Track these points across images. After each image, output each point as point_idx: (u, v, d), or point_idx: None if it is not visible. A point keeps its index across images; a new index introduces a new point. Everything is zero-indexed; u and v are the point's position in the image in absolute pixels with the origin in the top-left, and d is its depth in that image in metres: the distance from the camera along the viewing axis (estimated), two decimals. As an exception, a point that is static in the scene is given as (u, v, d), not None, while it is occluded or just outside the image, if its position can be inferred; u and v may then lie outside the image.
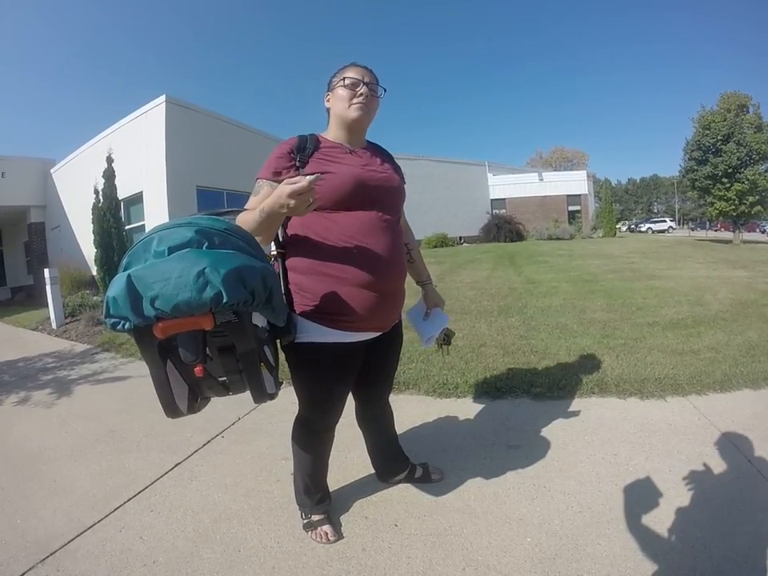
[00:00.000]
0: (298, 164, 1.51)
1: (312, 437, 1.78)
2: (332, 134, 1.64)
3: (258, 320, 1.23)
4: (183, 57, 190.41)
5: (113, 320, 1.05)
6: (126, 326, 1.05)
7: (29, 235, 16.42)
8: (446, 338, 2.07)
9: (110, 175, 8.56)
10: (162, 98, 11.34)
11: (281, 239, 1.61)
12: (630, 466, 2.12)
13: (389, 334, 1.74)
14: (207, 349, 1.17)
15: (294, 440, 1.81)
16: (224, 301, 1.01)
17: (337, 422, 1.79)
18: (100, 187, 8.46)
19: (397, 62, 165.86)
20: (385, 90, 1.66)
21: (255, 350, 1.21)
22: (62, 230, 14.76)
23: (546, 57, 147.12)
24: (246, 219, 1.42)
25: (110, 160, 8.58)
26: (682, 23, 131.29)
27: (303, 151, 1.53)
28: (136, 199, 11.62)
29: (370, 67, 1.63)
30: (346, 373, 1.65)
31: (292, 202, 1.23)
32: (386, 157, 1.74)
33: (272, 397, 1.30)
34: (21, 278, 17.79)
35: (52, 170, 15.77)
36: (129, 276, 1.03)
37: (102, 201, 8.41)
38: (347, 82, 1.56)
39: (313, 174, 1.32)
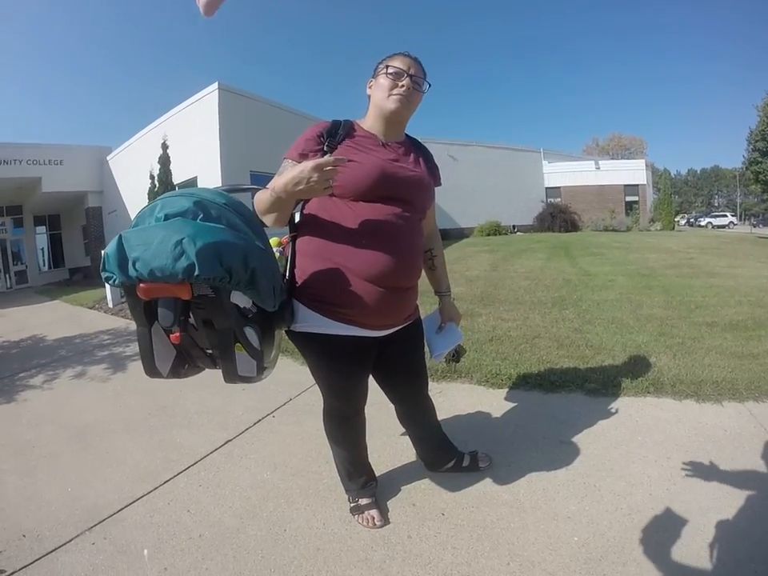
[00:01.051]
0: (326, 148, 1.47)
1: (339, 423, 1.78)
2: (368, 122, 1.59)
3: (240, 300, 1.21)
4: (239, 42, 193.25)
5: (105, 274, 1.09)
6: (115, 282, 1.08)
7: (86, 219, 17.26)
8: (456, 355, 2.01)
9: (165, 161, 8.85)
10: (215, 85, 11.63)
11: (296, 221, 1.58)
12: (683, 471, 2.03)
13: (404, 331, 1.68)
14: (193, 318, 1.20)
15: (326, 429, 1.81)
16: (196, 273, 1.02)
17: (362, 407, 1.78)
18: (155, 173, 8.76)
19: (449, 43, 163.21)
20: (430, 85, 1.59)
21: (230, 328, 1.21)
22: (118, 214, 15.40)
23: (606, 38, 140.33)
24: (261, 198, 1.41)
25: (165, 146, 8.88)
26: (745, 15, 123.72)
27: (334, 136, 1.50)
28: (191, 184, 11.96)
29: (419, 59, 1.57)
30: (354, 365, 1.61)
31: (315, 175, 1.21)
32: (422, 154, 1.68)
33: (248, 380, 1.29)
34: (79, 259, 18.70)
35: (108, 157, 16.47)
36: (120, 236, 1.08)
37: (157, 186, 8.72)
38: (391, 71, 1.50)
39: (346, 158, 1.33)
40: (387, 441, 2.32)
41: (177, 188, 9.41)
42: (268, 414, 2.82)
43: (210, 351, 1.30)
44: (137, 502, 2.00)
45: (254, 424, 2.70)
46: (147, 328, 1.22)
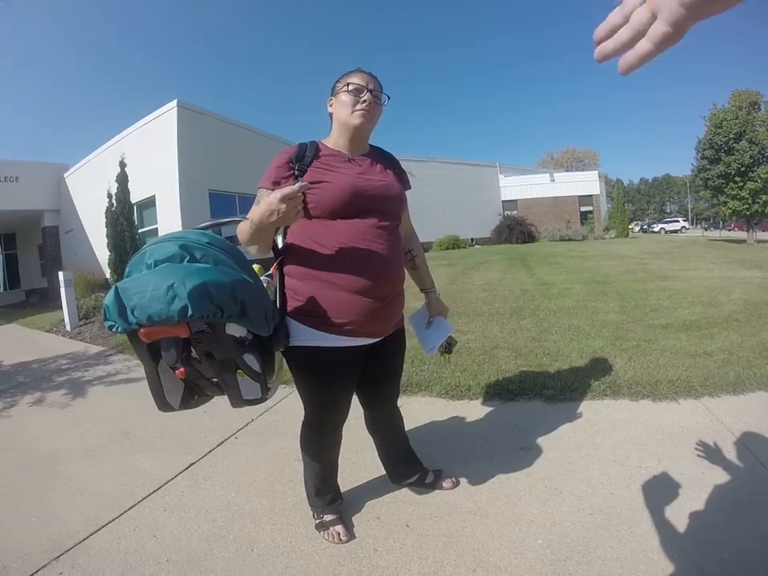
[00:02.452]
0: (296, 173, 1.51)
1: (318, 438, 1.79)
2: (333, 140, 1.64)
3: (236, 330, 1.27)
4: (193, 65, 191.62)
5: (108, 323, 1.16)
6: (119, 330, 1.15)
7: (43, 238, 16.65)
8: (448, 347, 2.06)
9: (123, 179, 8.67)
10: (174, 102, 11.49)
11: (279, 246, 1.62)
12: (642, 469, 2.11)
13: (390, 339, 1.73)
14: (195, 352, 1.28)
15: (302, 442, 1.83)
16: (190, 313, 1.08)
17: (343, 423, 1.80)
18: (113, 191, 8.58)
19: (406, 64, 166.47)
20: (389, 98, 1.65)
21: (230, 358, 1.29)
22: (75, 233, 14.96)
23: (554, 55, 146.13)
24: (242, 229, 1.46)
25: (122, 164, 8.70)
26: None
27: (302, 160, 1.54)
28: (149, 203, 11.79)
29: (375, 74, 1.62)
30: (342, 377, 1.65)
31: (283, 206, 1.25)
32: (388, 162, 1.73)
33: (255, 402, 1.37)
34: (35, 280, 18.04)
35: (65, 175, 15.99)
36: (116, 287, 1.15)
37: (115, 205, 8.52)
38: (351, 87, 1.55)
39: (308, 182, 1.37)
40: (350, 457, 2.33)
41: (135, 207, 9.23)
42: (231, 436, 2.80)
43: (215, 380, 1.37)
44: (102, 530, 1.96)
45: (217, 446, 2.67)
46: (154, 367, 1.31)
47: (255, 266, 1.66)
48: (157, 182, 11.50)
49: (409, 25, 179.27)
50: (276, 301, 1.58)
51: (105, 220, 8.52)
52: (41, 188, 15.79)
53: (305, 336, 1.54)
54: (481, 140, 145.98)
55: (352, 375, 1.69)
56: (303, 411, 1.76)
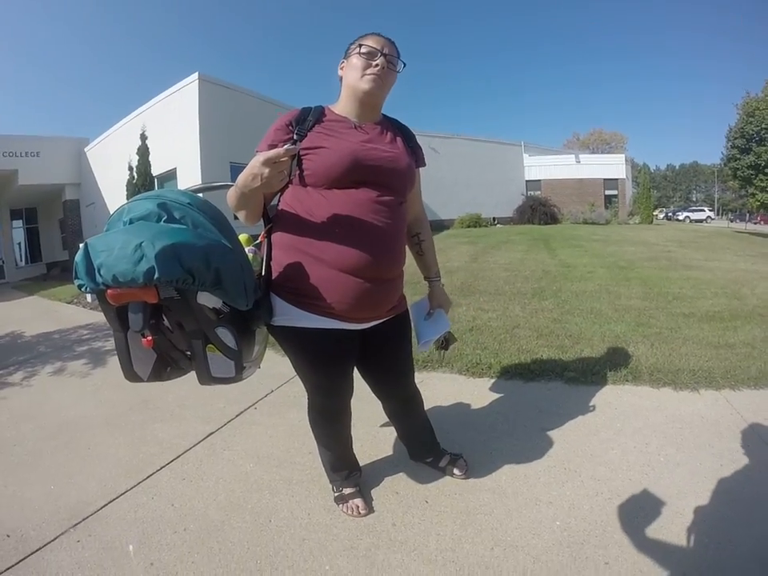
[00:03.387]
0: (295, 137, 1.41)
1: (323, 418, 1.75)
2: (341, 105, 1.53)
3: (209, 300, 1.19)
4: (217, 34, 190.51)
5: (77, 282, 1.10)
6: (86, 289, 1.09)
7: (64, 212, 16.91)
8: (445, 343, 1.95)
9: (144, 152, 8.71)
10: (195, 75, 11.47)
11: (270, 215, 1.54)
12: (661, 457, 2.08)
13: (390, 324, 1.63)
14: (167, 321, 1.22)
15: (310, 421, 1.78)
16: (156, 276, 1.01)
17: (347, 404, 1.75)
18: (134, 164, 8.63)
19: (433, 38, 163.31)
20: (405, 65, 1.54)
21: (199, 330, 1.20)
22: (96, 206, 15.14)
23: (588, 36, 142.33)
24: (230, 194, 1.38)
25: (143, 137, 8.74)
26: (728, 10, 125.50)
27: (303, 123, 1.44)
28: (170, 176, 11.82)
29: (392, 39, 1.51)
30: (333, 361, 1.56)
31: (266, 170, 1.19)
32: (400, 134, 1.61)
33: (225, 381, 1.29)
34: (57, 253, 18.35)
35: (86, 149, 16.15)
36: (86, 243, 1.08)
37: (136, 177, 8.59)
38: (364, 50, 1.44)
39: (304, 148, 1.35)
40: (369, 431, 2.33)
41: (156, 179, 9.27)
42: (250, 406, 2.81)
43: (189, 352, 1.29)
44: (120, 498, 1.97)
45: (236, 416, 2.69)
46: (123, 333, 1.22)
47: (243, 236, 1.60)
48: (178, 155, 11.51)
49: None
50: (262, 272, 1.48)
51: (126, 193, 8.57)
52: (62, 162, 15.99)
53: (288, 315, 1.44)
54: (507, 119, 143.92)
55: (345, 360, 1.60)
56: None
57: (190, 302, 1.14)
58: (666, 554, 1.53)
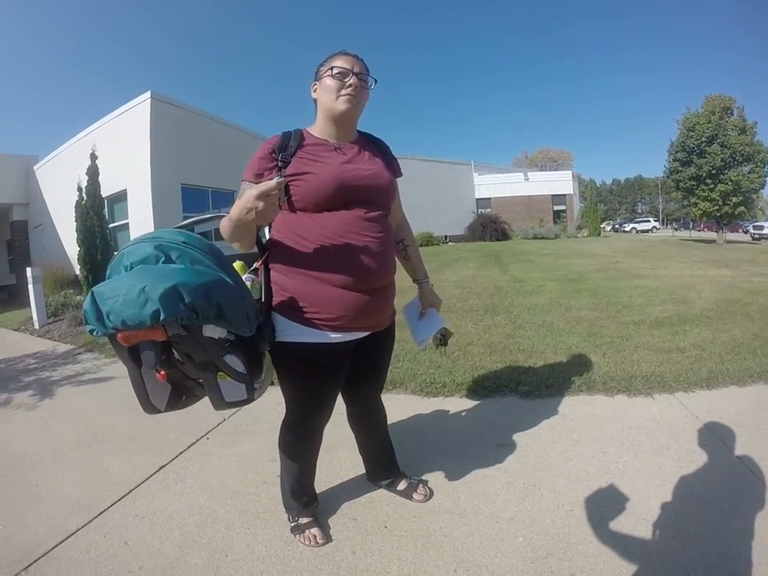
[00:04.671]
0: (280, 164, 1.46)
1: (300, 439, 1.75)
2: (318, 128, 1.57)
3: (214, 332, 1.24)
4: (169, 60, 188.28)
5: (89, 327, 1.16)
6: (98, 334, 1.16)
7: (11, 233, 16.18)
8: (443, 339, 2.01)
9: (93, 172, 8.42)
10: (148, 94, 11.24)
11: (263, 241, 1.57)
12: (620, 464, 2.13)
13: (380, 332, 1.68)
14: (177, 353, 1.28)
15: (281, 443, 1.77)
16: (162, 317, 1.07)
17: (325, 425, 1.76)
18: (83, 185, 8.33)
19: (384, 65, 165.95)
20: (375, 81, 1.58)
21: (209, 360, 1.26)
22: (44, 228, 14.56)
23: (533, 60, 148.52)
24: (224, 225, 1.40)
25: (93, 157, 8.45)
26: (669, 26, 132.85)
27: (285, 150, 1.47)
28: (120, 197, 11.51)
29: (360, 56, 1.55)
30: (331, 374, 1.61)
31: (260, 204, 1.21)
32: (377, 149, 1.67)
33: (241, 403, 1.35)
34: (3, 277, 17.48)
35: (35, 167, 15.52)
36: (92, 292, 1.14)
37: (85, 198, 8.28)
38: (336, 71, 1.48)
39: (290, 175, 1.39)
40: (324, 456, 2.27)
41: (105, 201, 8.99)
42: (202, 437, 2.73)
43: (201, 380, 1.34)
44: (71, 537, 1.88)
45: (188, 447, 2.60)
46: (137, 370, 1.29)
47: (238, 263, 1.62)
48: (128, 176, 11.22)
49: (387, 26, 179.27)
50: (262, 298, 1.53)
51: (75, 214, 8.27)
52: (9, 181, 15.31)
53: (292, 332, 1.49)
54: (456, 140, 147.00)
55: (340, 372, 1.64)
56: (277, 410, 1.72)
57: (196, 336, 1.21)
58: (632, 560, 1.55)
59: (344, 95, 1.47)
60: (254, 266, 1.61)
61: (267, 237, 1.58)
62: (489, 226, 24.05)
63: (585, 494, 1.93)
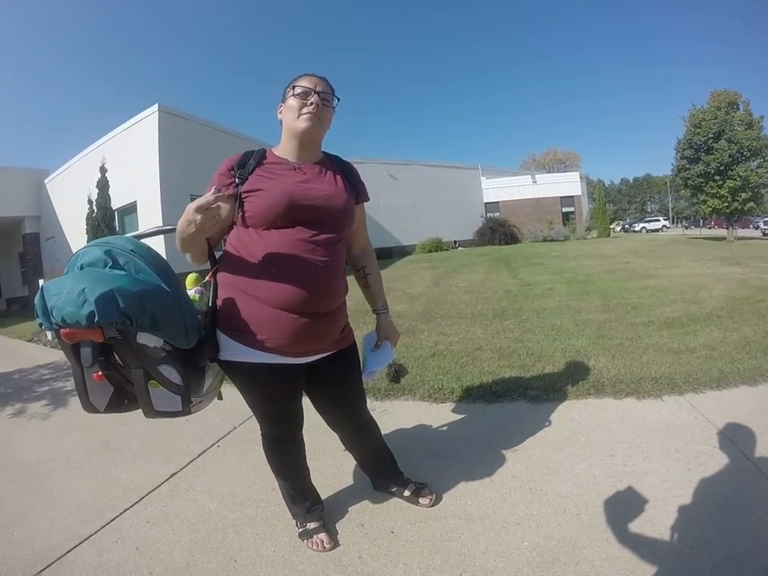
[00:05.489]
0: (237, 180, 1.47)
1: (276, 449, 1.77)
2: (281, 147, 1.59)
3: (149, 340, 1.27)
4: (176, 66, 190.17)
5: (38, 320, 1.19)
6: (45, 328, 1.20)
7: (23, 246, 16.42)
8: (396, 375, 1.98)
9: (103, 185, 8.57)
10: (155, 107, 11.40)
11: (216, 256, 1.58)
12: (628, 467, 2.11)
13: (334, 357, 1.66)
14: (118, 358, 1.31)
15: (265, 452, 1.79)
16: (96, 319, 1.11)
17: (297, 434, 1.78)
18: (94, 197, 8.47)
19: (387, 67, 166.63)
20: (339, 100, 1.60)
21: (140, 367, 1.29)
22: (56, 240, 14.76)
23: (537, 59, 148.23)
24: (176, 238, 1.41)
25: (103, 170, 8.60)
26: (672, 21, 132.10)
27: (244, 167, 1.50)
28: (130, 209, 11.68)
29: (325, 77, 1.57)
30: (278, 394, 1.61)
31: (198, 216, 1.25)
32: (340, 172, 1.65)
33: (173, 414, 1.37)
34: (16, 288, 17.77)
35: (46, 180, 15.77)
36: (42, 287, 1.18)
37: (95, 211, 8.42)
38: (297, 91, 1.50)
39: (245, 191, 1.43)
40: (332, 462, 2.32)
41: (116, 213, 9.13)
42: (213, 444, 2.75)
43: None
44: (84, 543, 1.92)
45: (199, 455, 2.63)
46: (79, 367, 1.30)
47: (192, 276, 1.64)
48: (138, 188, 11.41)
49: (390, 27, 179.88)
50: (208, 312, 1.52)
51: (86, 226, 8.40)
52: (21, 194, 15.58)
53: (233, 350, 1.48)
54: (462, 143, 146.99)
55: (290, 393, 1.63)
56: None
57: (130, 342, 1.25)
58: (639, 564, 1.54)
59: (305, 114, 1.49)
60: (205, 279, 1.61)
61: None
62: (498, 230, 24.00)
63: (592, 498, 1.92)
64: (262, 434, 1.78)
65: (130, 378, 1.33)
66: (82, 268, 1.25)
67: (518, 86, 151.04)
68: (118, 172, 10.09)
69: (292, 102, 1.51)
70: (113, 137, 12.59)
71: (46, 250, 15.89)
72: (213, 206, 1.25)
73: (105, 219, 8.40)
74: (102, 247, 1.27)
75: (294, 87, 1.52)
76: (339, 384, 1.76)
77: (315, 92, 1.49)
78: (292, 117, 1.51)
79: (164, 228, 1.68)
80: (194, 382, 1.41)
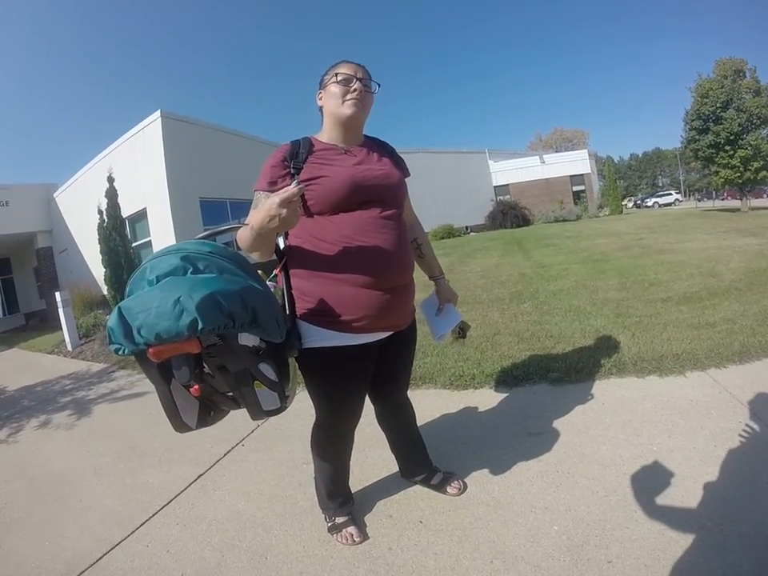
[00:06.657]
0: (292, 171, 1.49)
1: (331, 441, 1.77)
2: (326, 134, 1.61)
3: (248, 340, 1.23)
4: (177, 66, 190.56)
5: (114, 346, 1.11)
6: (126, 352, 1.10)
7: (37, 260, 16.61)
8: (462, 332, 2.04)
9: (112, 195, 8.62)
10: (158, 113, 11.43)
11: (281, 248, 1.58)
12: (654, 446, 2.09)
13: (402, 331, 1.69)
14: (207, 367, 1.24)
15: (314, 445, 1.80)
16: (200, 327, 1.04)
17: (355, 426, 1.78)
18: (103, 207, 8.52)
19: (389, 56, 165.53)
20: (379, 85, 1.63)
21: (246, 369, 1.24)
22: (69, 252, 14.93)
23: (539, 38, 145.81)
24: (243, 236, 1.41)
25: (110, 179, 8.64)
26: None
27: (296, 157, 1.51)
28: (140, 216, 11.76)
29: (363, 64, 1.60)
30: (358, 376, 1.62)
31: (283, 211, 1.22)
32: (385, 151, 1.70)
33: (275, 412, 1.33)
34: (33, 303, 18.00)
35: (55, 194, 15.93)
36: (119, 308, 1.10)
37: (106, 220, 8.47)
38: (340, 78, 1.52)
39: (304, 180, 1.40)
40: (358, 456, 2.30)
41: (126, 221, 9.19)
42: (237, 444, 2.78)
43: (230, 394, 1.33)
44: (116, 548, 1.94)
45: (225, 455, 2.66)
46: (166, 387, 1.25)
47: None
48: (147, 195, 11.45)
49: (389, 14, 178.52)
50: (284, 305, 1.54)
51: (98, 237, 8.47)
52: (32, 210, 15.73)
53: (317, 337, 1.51)
54: (468, 127, 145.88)
55: (366, 374, 1.66)
56: (310, 412, 1.73)
57: (232, 345, 1.19)
58: (669, 543, 1.53)
59: (349, 100, 1.52)
60: (274, 272, 1.62)
61: (283, 244, 1.60)
62: (509, 213, 23.79)
63: (619, 479, 1.90)
64: (316, 425, 1.78)
65: (219, 387, 1.31)
66: (157, 280, 1.17)
67: (521, 65, 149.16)
68: (126, 180, 10.15)
69: (334, 88, 1.53)
70: (118, 146, 12.65)
71: (59, 263, 16.09)
72: (296, 198, 1.23)
73: (116, 228, 8.44)
74: (176, 254, 1.21)
75: (336, 74, 1.53)
76: (401, 359, 1.83)
77: (357, 78, 1.53)
78: (335, 103, 1.54)
79: (226, 227, 1.65)
80: (284, 376, 1.39)
